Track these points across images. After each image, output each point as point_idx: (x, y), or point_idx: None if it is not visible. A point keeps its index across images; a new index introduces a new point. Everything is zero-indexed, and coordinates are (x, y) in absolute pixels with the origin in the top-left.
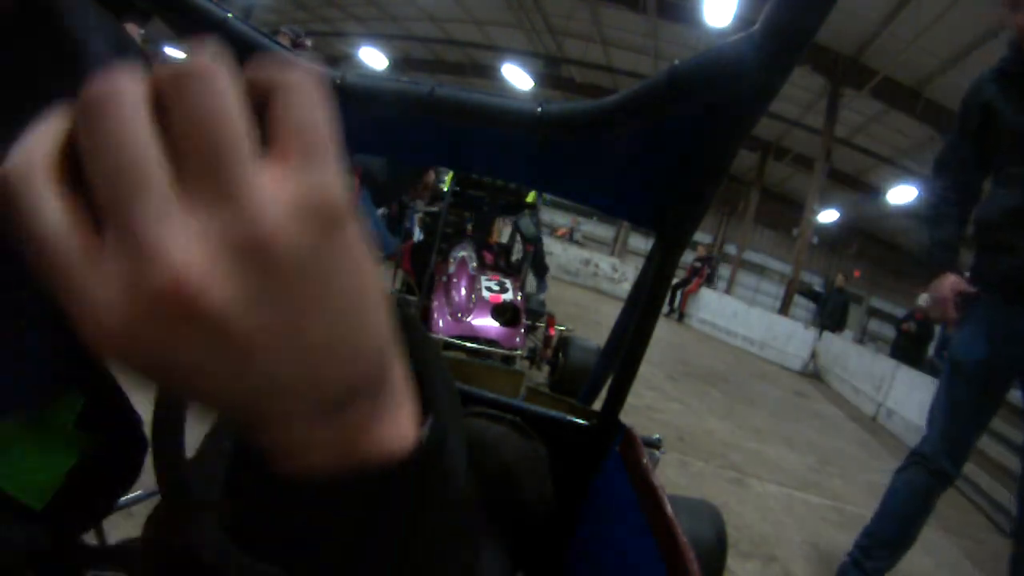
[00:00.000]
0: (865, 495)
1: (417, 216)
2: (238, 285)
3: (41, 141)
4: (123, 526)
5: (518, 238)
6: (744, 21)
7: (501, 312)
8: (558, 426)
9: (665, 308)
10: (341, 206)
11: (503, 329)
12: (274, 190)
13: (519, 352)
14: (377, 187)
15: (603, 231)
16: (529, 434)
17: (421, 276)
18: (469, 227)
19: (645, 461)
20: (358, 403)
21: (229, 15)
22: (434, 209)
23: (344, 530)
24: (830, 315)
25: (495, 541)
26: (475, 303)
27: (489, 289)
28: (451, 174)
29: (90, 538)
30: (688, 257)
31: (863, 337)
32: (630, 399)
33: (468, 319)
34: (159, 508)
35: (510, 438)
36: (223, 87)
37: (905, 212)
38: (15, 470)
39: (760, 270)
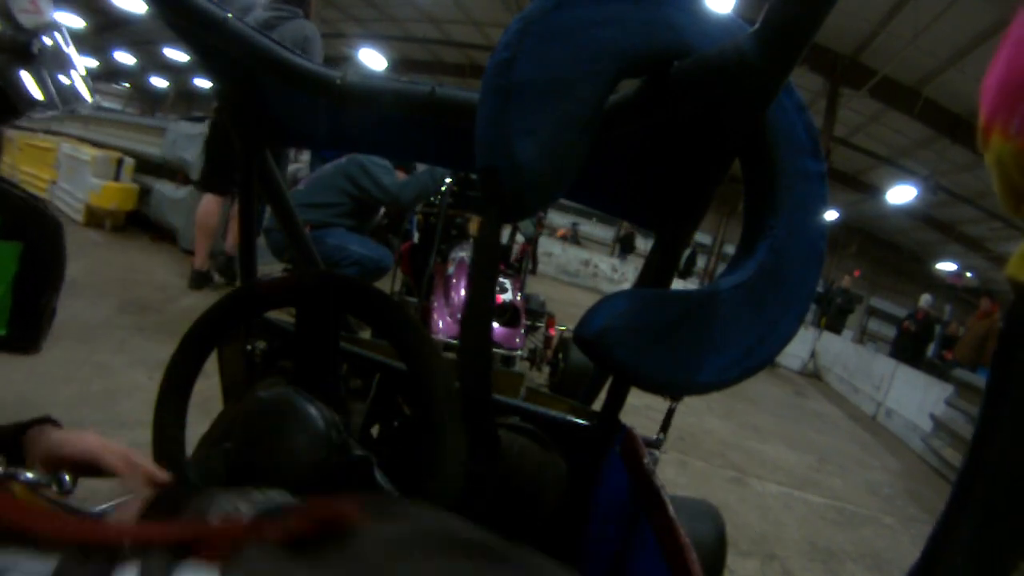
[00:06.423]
0: (865, 494)
1: (416, 217)
2: None
3: None
4: None
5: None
6: (744, 21)
7: (501, 312)
8: (558, 426)
9: None
10: None
11: (503, 329)
12: None
13: (519, 352)
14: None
15: (603, 231)
16: (548, 445)
17: (420, 277)
18: (470, 227)
19: (647, 461)
20: None
21: (229, 15)
22: (433, 210)
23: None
24: (836, 315)
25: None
26: None
27: None
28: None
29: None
30: None
31: (863, 337)
32: (630, 399)
33: None
34: (152, 506)
35: (533, 451)
36: None
37: (904, 212)
38: None
39: None
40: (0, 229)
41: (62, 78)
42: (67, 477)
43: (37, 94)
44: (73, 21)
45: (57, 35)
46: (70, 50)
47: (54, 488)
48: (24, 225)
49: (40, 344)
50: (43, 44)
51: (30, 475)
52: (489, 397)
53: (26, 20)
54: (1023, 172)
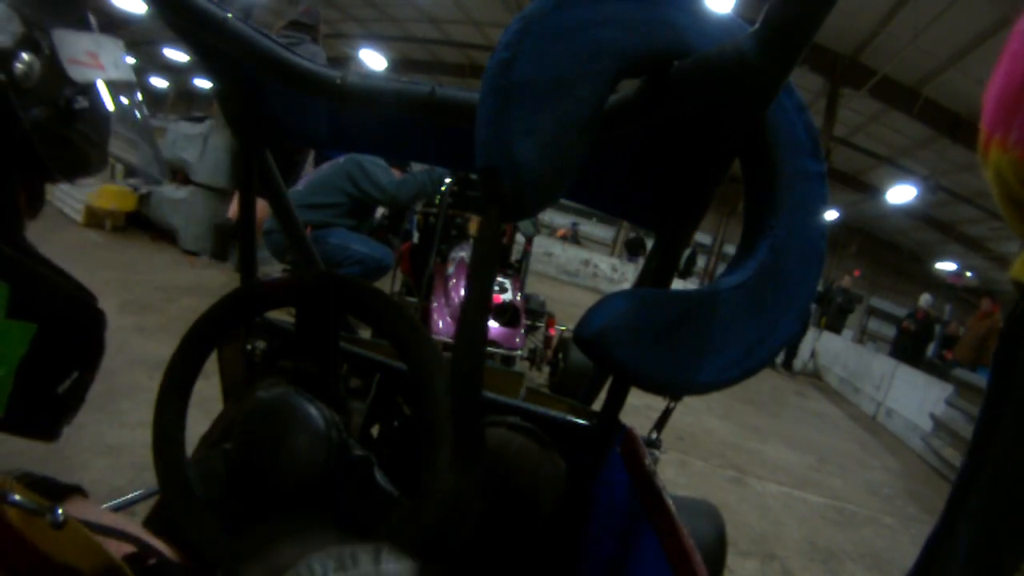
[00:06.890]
0: (865, 494)
1: (416, 218)
2: None
3: None
4: None
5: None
6: (744, 20)
7: (501, 312)
8: (558, 426)
9: None
10: None
11: (503, 329)
12: None
13: (519, 352)
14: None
15: (603, 231)
16: (547, 444)
17: (420, 277)
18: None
19: (647, 462)
20: None
21: (229, 15)
22: (432, 210)
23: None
24: (836, 315)
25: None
26: None
27: None
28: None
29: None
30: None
31: (863, 336)
32: (629, 399)
33: None
34: (158, 506)
35: (531, 450)
36: None
37: (904, 212)
38: None
39: None
40: (12, 306)
41: (115, 145)
42: (59, 511)
43: (79, 158)
44: None
45: (122, 97)
46: (136, 112)
47: (47, 517)
48: (44, 306)
49: (54, 433)
50: (85, 103)
51: (17, 497)
52: (479, 397)
53: (77, 73)
54: (1023, 183)
